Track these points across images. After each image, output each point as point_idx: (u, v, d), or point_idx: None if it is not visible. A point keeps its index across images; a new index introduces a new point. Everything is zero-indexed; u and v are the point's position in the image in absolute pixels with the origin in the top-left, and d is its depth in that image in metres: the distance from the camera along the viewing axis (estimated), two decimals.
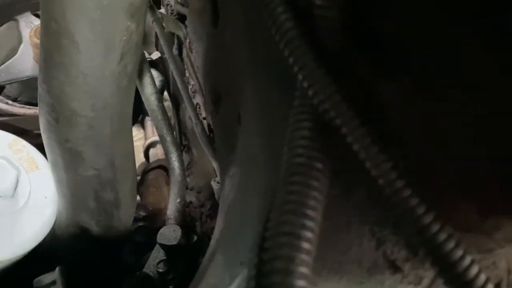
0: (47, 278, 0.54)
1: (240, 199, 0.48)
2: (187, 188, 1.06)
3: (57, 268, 0.54)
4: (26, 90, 0.91)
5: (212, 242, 0.53)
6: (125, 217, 0.74)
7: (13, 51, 0.90)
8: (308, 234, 0.29)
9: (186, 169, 1.16)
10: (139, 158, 1.37)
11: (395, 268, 0.38)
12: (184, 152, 1.23)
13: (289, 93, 0.40)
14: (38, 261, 0.69)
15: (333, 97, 0.32)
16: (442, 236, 0.30)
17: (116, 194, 0.69)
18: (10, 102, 0.86)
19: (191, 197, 1.15)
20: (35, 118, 0.85)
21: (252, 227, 0.40)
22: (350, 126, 0.32)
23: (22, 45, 0.92)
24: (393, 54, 0.34)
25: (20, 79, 0.88)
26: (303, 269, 0.27)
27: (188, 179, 1.12)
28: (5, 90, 0.89)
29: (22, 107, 0.86)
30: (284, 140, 0.37)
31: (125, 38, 0.55)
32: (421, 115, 0.33)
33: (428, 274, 0.38)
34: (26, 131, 0.84)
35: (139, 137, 1.50)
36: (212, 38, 0.65)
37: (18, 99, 0.89)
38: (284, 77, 0.41)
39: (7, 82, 0.88)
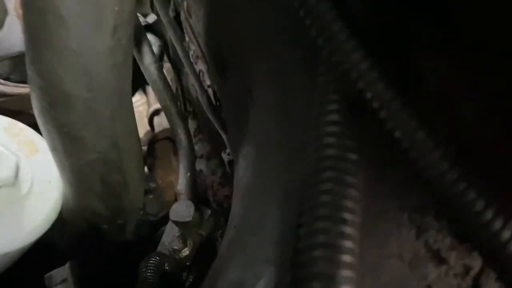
0: (58, 274, 0.51)
1: (257, 187, 0.43)
2: (196, 156, 1.02)
3: (68, 264, 0.51)
4: (18, 67, 0.85)
5: (230, 229, 0.49)
6: (135, 197, 0.71)
7: None
8: (348, 244, 0.25)
9: (193, 136, 1.12)
10: (144, 125, 1.33)
11: (439, 259, 0.34)
12: (189, 119, 1.19)
13: (310, 67, 0.34)
14: (47, 249, 0.67)
15: (368, 74, 0.27)
16: (506, 234, 0.26)
17: (123, 175, 0.65)
18: (2, 81, 0.81)
19: (201, 165, 1.11)
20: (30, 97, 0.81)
21: (273, 223, 0.36)
22: (390, 109, 0.27)
23: (8, 18, 0.86)
24: (433, 22, 0.29)
25: (10, 56, 0.82)
26: None
27: (196, 147, 1.08)
28: None
29: (15, 86, 0.80)
30: (306, 122, 0.32)
31: (116, 8, 0.50)
32: (473, 91, 0.28)
33: (476, 263, 0.34)
34: (22, 112, 0.79)
35: (142, 102, 1.45)
36: (213, 1, 0.58)
37: (10, 77, 0.84)
38: (303, 48, 0.35)
39: None
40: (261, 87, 0.46)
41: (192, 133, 1.11)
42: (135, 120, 0.63)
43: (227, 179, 1.04)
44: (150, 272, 0.69)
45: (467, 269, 0.35)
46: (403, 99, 0.27)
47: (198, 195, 0.88)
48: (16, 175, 0.67)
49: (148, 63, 0.77)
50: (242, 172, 0.53)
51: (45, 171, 0.71)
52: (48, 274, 0.52)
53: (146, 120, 1.29)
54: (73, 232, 0.73)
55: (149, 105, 1.34)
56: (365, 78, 0.27)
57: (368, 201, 0.35)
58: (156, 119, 1.25)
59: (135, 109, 0.65)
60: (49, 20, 0.47)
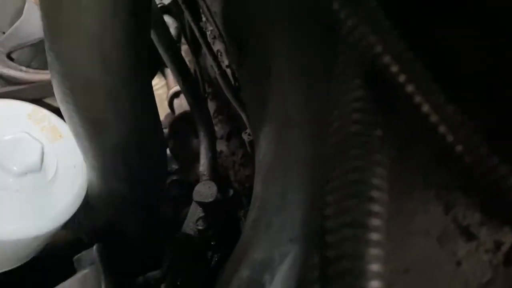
0: (86, 256, 0.52)
1: (279, 166, 0.43)
2: (216, 137, 1.02)
3: (95, 246, 0.52)
4: (38, 54, 0.86)
5: (253, 209, 0.49)
6: (158, 179, 0.71)
7: (18, 13, 0.84)
8: (377, 222, 0.24)
9: (213, 117, 1.12)
10: (164, 108, 1.33)
11: (468, 235, 0.34)
12: (209, 100, 1.18)
13: (332, 42, 0.33)
14: (74, 233, 0.68)
15: (395, 47, 0.26)
16: None
17: (146, 158, 0.65)
18: (23, 68, 0.82)
19: (221, 146, 1.11)
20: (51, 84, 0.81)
21: (296, 202, 0.36)
22: (418, 82, 0.26)
23: (26, 5, 0.86)
24: None
25: (30, 43, 0.83)
26: (375, 267, 0.23)
27: (216, 128, 1.08)
28: (16, 57, 0.85)
29: (36, 72, 0.81)
30: (328, 99, 0.31)
31: None
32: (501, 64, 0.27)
33: (508, 239, 0.33)
34: (44, 99, 0.80)
35: (161, 85, 1.45)
36: None
37: (31, 64, 0.84)
38: (324, 23, 0.34)
39: (17, 48, 0.83)
40: (280, 65, 0.46)
41: (211, 114, 1.11)
42: (155, 102, 0.63)
43: (248, 159, 1.04)
44: (177, 252, 0.70)
45: (498, 245, 0.34)
46: (431, 72, 0.26)
47: (220, 175, 0.89)
48: (42, 161, 0.68)
49: (166, 45, 0.77)
50: (264, 152, 0.52)
51: (70, 156, 0.72)
52: (76, 257, 0.53)
53: (166, 103, 1.29)
54: (99, 215, 0.74)
55: (168, 88, 1.34)
56: (391, 50, 0.26)
57: (394, 178, 0.34)
58: (176, 102, 1.25)
59: (154, 92, 0.65)
60: (65, 4, 0.47)
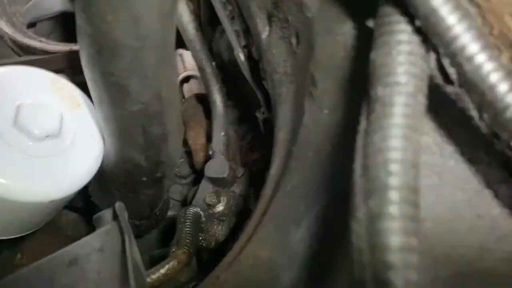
0: (105, 215, 0.53)
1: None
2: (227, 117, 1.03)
3: (117, 203, 0.53)
4: (58, 27, 0.87)
5: (268, 186, 0.51)
6: (174, 151, 0.73)
7: None
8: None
9: None
10: None
11: (489, 190, 0.35)
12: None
13: None
14: (87, 200, 0.69)
15: None
16: None
17: (163, 127, 0.67)
18: (43, 39, 0.83)
19: (230, 131, 1.13)
20: (71, 55, 0.83)
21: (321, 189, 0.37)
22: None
23: None
24: None
25: (50, 15, 0.84)
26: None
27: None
28: (36, 28, 0.86)
29: (56, 44, 0.82)
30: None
31: None
32: None
33: None
34: (63, 69, 0.81)
35: None
36: None
37: (50, 37, 0.86)
38: None
39: (38, 20, 0.84)
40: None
41: None
42: (177, 73, 0.65)
43: (257, 143, 1.06)
44: (188, 223, 0.72)
45: None
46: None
47: (230, 155, 0.90)
48: (61, 127, 0.69)
49: (186, 21, 0.78)
50: (285, 123, 0.54)
51: (87, 125, 0.73)
52: (96, 215, 0.55)
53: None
54: (113, 184, 0.75)
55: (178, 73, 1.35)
56: None
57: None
58: (185, 86, 1.27)
59: None
60: None
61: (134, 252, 0.49)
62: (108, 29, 0.53)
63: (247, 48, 0.81)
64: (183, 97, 1.30)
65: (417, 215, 0.25)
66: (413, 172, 0.26)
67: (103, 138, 0.72)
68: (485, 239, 0.34)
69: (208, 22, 1.02)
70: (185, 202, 0.93)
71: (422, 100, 0.30)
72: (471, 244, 0.34)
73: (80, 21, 0.55)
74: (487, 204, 0.35)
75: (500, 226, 0.35)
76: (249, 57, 0.82)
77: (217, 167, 0.79)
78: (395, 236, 0.23)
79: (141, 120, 0.64)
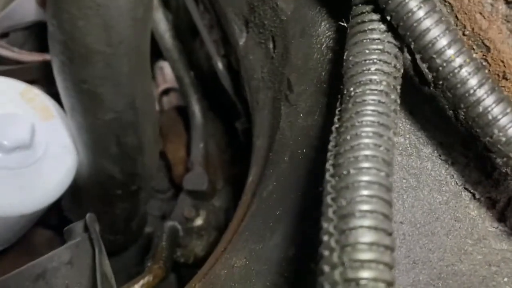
0: (76, 227, 0.51)
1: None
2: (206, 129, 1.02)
3: (88, 215, 0.51)
4: (31, 37, 0.85)
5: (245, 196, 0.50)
6: (149, 163, 0.71)
7: None
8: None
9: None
10: None
11: (467, 192, 0.35)
12: None
13: None
14: (61, 215, 0.66)
15: None
16: None
17: (138, 138, 0.65)
18: (16, 49, 0.81)
19: (211, 143, 1.11)
20: (44, 66, 0.80)
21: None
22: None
23: None
24: None
25: (24, 25, 0.82)
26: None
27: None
28: (9, 38, 0.84)
29: (30, 54, 0.80)
30: None
31: None
32: None
33: (503, 197, 0.34)
34: (37, 80, 0.79)
35: None
36: None
37: (24, 47, 0.84)
38: None
39: (11, 29, 0.82)
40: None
41: None
42: (152, 82, 0.64)
43: (238, 156, 1.05)
44: (164, 237, 0.70)
45: (493, 203, 0.35)
46: None
47: (209, 167, 0.88)
48: (32, 138, 0.67)
49: (163, 30, 0.77)
50: (263, 146, 0.53)
51: (60, 136, 0.71)
52: (67, 228, 0.52)
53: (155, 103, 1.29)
54: (87, 196, 0.73)
55: (157, 86, 1.34)
56: None
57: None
58: (165, 98, 1.25)
59: None
60: None
61: (104, 265, 0.47)
62: (79, 35, 0.52)
63: (226, 58, 0.80)
64: (162, 110, 1.29)
65: (389, 213, 0.24)
66: (386, 170, 0.25)
67: (77, 149, 0.70)
68: (463, 241, 0.34)
69: (187, 32, 1.01)
70: (165, 217, 0.91)
71: (395, 98, 0.29)
72: (449, 247, 0.33)
73: (51, 27, 0.54)
74: (465, 206, 0.35)
75: (477, 229, 0.34)
76: (229, 67, 0.81)
77: (196, 179, 0.78)
78: (365, 234, 0.22)
79: (115, 130, 0.62)
